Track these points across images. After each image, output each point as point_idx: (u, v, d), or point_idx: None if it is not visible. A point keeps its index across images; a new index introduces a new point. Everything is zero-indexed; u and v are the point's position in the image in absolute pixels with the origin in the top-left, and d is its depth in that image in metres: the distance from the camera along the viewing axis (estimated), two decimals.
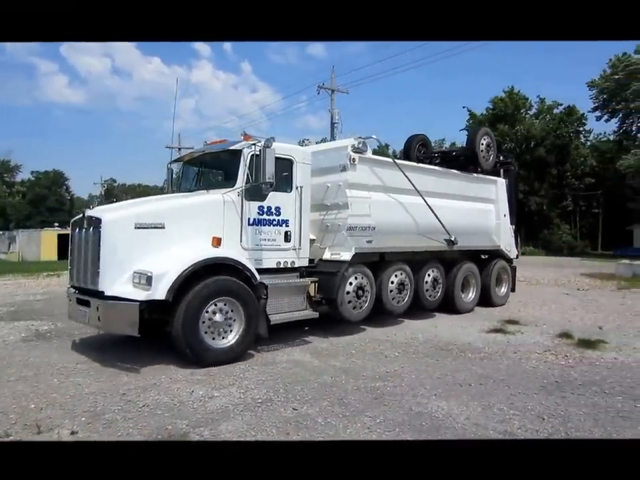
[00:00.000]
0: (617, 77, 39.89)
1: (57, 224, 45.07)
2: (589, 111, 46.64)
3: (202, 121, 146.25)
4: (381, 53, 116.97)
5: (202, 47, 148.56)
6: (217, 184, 7.68)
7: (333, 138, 26.57)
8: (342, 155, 8.21)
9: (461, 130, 55.73)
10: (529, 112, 52.51)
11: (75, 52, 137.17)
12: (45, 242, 37.84)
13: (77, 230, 6.70)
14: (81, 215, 6.70)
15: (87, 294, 6.28)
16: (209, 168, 8.26)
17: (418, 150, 11.01)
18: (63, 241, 36.59)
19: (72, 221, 7.02)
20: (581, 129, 52.80)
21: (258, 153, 6.80)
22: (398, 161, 9.25)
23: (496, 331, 8.25)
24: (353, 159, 8.13)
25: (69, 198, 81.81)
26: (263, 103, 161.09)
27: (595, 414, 4.50)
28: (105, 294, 5.87)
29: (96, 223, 6.13)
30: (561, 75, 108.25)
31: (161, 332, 6.22)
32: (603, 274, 18.90)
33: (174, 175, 8.91)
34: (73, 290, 6.84)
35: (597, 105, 44.11)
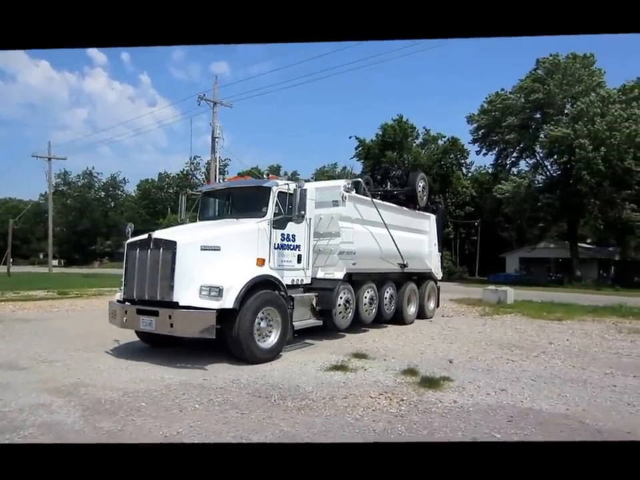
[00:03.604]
0: (493, 112, 43.07)
1: None
2: (469, 142, 49.85)
3: (94, 133, 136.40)
4: (280, 67, 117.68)
5: (97, 55, 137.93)
6: (242, 214, 8.65)
7: (213, 153, 24.92)
8: (335, 192, 9.80)
9: (351, 158, 56.85)
10: (415, 141, 55.09)
11: None
12: None
13: (138, 250, 7.51)
14: (147, 237, 7.43)
15: (148, 305, 7.20)
16: (235, 200, 9.30)
17: (363, 188, 12.59)
18: None
19: (129, 242, 7.85)
20: (463, 161, 56.54)
21: (285, 190, 8.43)
22: (374, 200, 11.13)
23: (336, 368, 7.10)
24: (344, 196, 9.77)
25: None
26: (161, 118, 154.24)
27: None
28: (180, 304, 6.87)
29: (167, 244, 7.13)
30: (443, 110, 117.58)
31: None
32: (471, 299, 19.08)
33: (183, 203, 10.23)
34: (120, 302, 7.78)
35: (475, 138, 47.17)
